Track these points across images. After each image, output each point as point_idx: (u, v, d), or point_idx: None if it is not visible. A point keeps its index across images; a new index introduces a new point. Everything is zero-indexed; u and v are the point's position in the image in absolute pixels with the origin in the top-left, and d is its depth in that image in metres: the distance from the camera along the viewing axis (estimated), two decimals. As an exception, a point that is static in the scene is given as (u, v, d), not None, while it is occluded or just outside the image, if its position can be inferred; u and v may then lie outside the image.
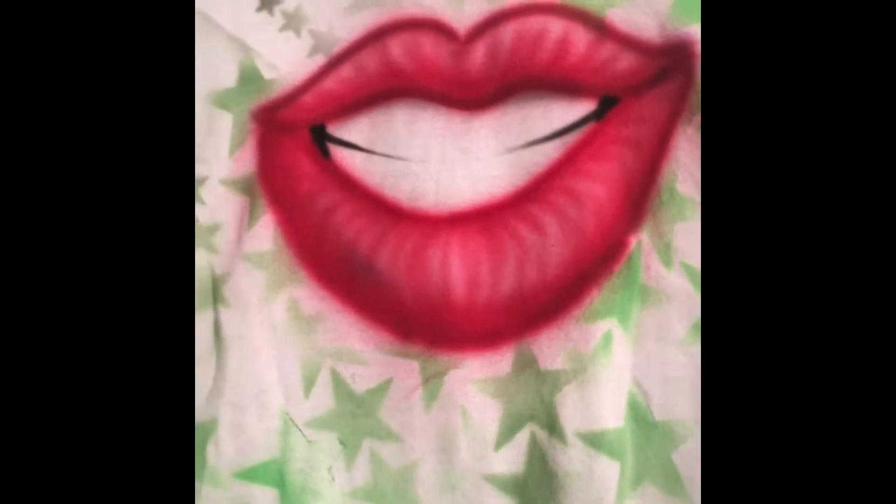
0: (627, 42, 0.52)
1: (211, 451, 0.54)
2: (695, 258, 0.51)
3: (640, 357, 0.52)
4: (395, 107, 0.54)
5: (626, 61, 0.52)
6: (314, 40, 0.54)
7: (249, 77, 0.55)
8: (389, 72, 0.53)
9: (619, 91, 0.52)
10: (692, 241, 0.51)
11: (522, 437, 0.53)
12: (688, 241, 0.51)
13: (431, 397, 0.54)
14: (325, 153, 0.55)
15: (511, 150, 0.53)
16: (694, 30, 0.50)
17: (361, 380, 0.54)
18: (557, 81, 0.52)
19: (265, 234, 0.55)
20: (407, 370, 0.54)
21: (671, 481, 0.51)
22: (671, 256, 0.51)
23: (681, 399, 0.51)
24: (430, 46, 0.53)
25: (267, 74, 0.55)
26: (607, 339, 0.51)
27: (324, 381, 0.55)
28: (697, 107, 0.51)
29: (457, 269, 0.53)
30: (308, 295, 0.55)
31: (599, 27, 0.52)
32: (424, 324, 0.53)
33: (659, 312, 0.52)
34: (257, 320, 0.55)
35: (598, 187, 0.52)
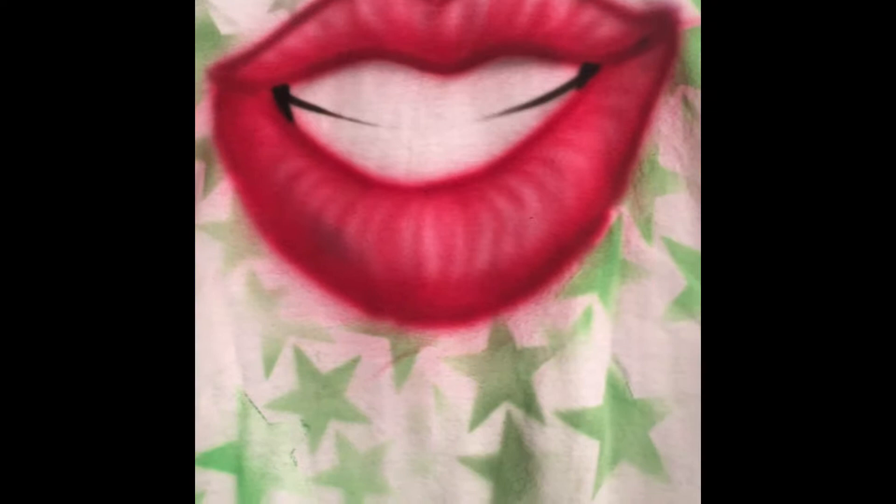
0: (609, 8, 0.50)
1: (163, 436, 0.50)
2: (675, 233, 0.50)
3: (620, 334, 0.50)
4: (363, 69, 0.51)
5: (607, 28, 0.50)
6: (276, -6, 0.51)
7: (204, 32, 0.51)
8: (358, 32, 0.50)
9: (601, 58, 0.50)
10: (673, 216, 0.50)
11: (498, 417, 0.51)
12: (668, 216, 0.50)
13: (402, 376, 0.51)
14: (289, 116, 0.51)
15: (488, 117, 0.51)
16: (678, -2, 0.49)
17: (327, 358, 0.51)
18: (537, 47, 0.50)
19: (222, 202, 0.51)
20: (376, 348, 0.51)
21: (649, 459, 0.50)
22: (651, 231, 0.50)
23: (659, 376, 0.50)
24: (401, 6, 0.50)
25: (224, 29, 0.51)
26: (587, 315, 0.50)
27: (286, 360, 0.51)
28: (680, 77, 0.49)
29: (430, 241, 0.50)
30: (269, 268, 0.51)
31: (581, -9, 0.50)
32: (395, 299, 0.51)
33: (639, 288, 0.50)
34: (213, 295, 0.51)
35: (578, 158, 0.50)
